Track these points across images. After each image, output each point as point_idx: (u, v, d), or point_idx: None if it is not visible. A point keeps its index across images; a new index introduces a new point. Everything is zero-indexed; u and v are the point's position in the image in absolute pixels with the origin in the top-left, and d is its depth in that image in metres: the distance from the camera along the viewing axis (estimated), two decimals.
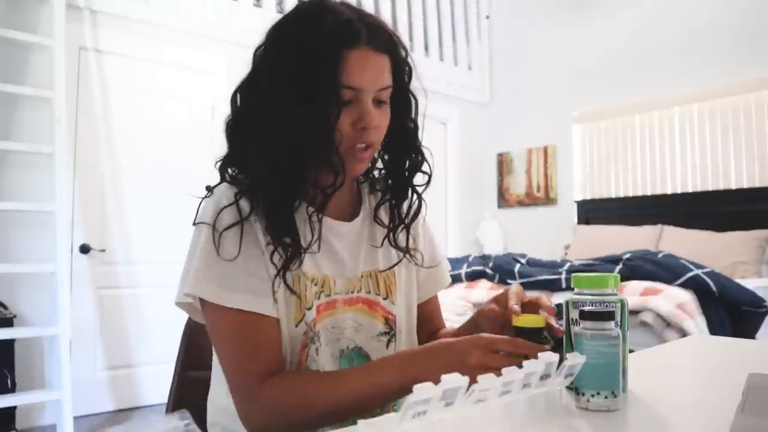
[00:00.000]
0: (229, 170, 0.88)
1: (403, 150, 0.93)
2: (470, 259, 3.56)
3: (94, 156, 3.24)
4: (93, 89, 3.26)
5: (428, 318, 1.03)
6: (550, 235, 4.75)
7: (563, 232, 4.68)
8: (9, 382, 2.68)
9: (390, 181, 0.95)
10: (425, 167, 0.94)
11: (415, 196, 0.96)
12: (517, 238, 5.04)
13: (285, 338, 0.84)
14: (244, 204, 0.83)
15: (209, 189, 0.88)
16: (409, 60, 0.90)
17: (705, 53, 4.05)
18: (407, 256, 0.95)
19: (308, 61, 0.79)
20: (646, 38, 4.34)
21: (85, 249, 3.17)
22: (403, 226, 0.95)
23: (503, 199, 5.30)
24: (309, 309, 0.85)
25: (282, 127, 0.81)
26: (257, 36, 0.89)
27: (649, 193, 4.34)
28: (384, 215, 0.96)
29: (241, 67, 0.91)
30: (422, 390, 0.48)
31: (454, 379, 0.52)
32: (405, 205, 0.95)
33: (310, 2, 0.85)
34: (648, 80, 4.31)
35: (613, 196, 4.56)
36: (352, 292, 0.90)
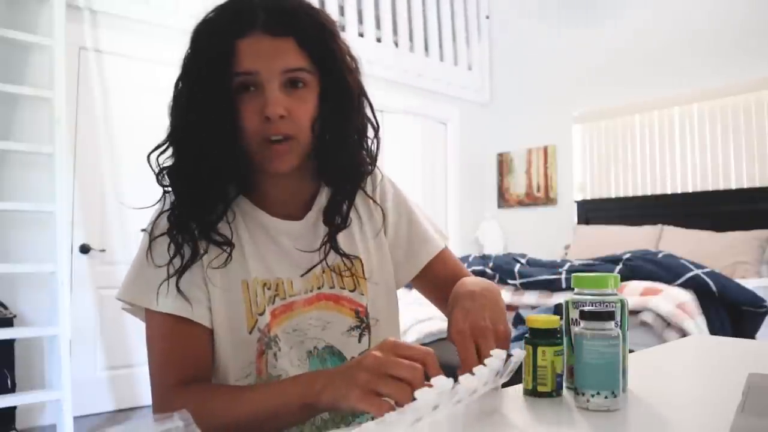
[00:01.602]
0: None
1: (334, 151, 0.83)
2: (470, 259, 3.56)
3: (94, 156, 3.24)
4: (93, 89, 3.26)
5: (443, 282, 0.92)
6: (550, 235, 4.75)
7: (563, 232, 4.68)
8: (9, 382, 2.68)
9: (332, 175, 0.87)
10: (372, 150, 0.87)
11: (343, 204, 0.87)
12: (517, 238, 5.04)
13: (229, 347, 0.81)
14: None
15: (161, 198, 0.87)
16: (340, 42, 0.82)
17: (705, 53, 4.05)
18: (343, 260, 0.88)
19: (200, 55, 0.77)
20: (647, 38, 4.34)
21: (85, 249, 3.17)
22: (330, 234, 0.87)
23: (503, 199, 5.30)
24: (261, 314, 0.82)
25: (185, 133, 0.79)
26: None
27: (649, 193, 4.34)
28: (338, 214, 0.89)
29: None
30: (424, 394, 0.48)
31: (445, 383, 0.52)
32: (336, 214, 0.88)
33: None
34: (648, 80, 4.31)
35: (613, 196, 4.56)
36: (312, 291, 0.86)
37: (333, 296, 0.87)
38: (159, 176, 0.83)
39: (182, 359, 0.79)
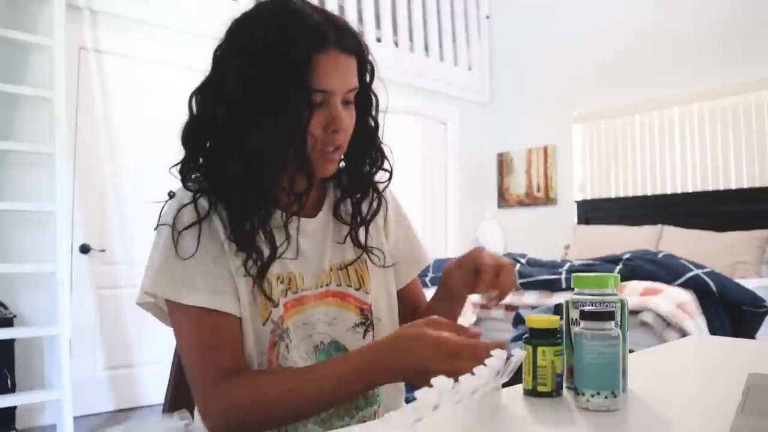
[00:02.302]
0: (191, 175, 0.87)
1: (364, 147, 0.92)
2: None
3: (94, 156, 3.24)
4: (93, 89, 3.26)
5: (408, 298, 1.03)
6: (550, 235, 4.75)
7: (563, 232, 4.68)
8: (9, 382, 2.68)
9: (351, 178, 0.95)
10: (386, 165, 0.95)
11: (375, 194, 0.96)
12: (517, 238, 5.04)
13: (250, 337, 0.83)
14: (204, 202, 0.83)
15: (171, 194, 0.88)
16: (371, 59, 0.89)
17: (705, 53, 4.05)
18: (367, 254, 0.95)
19: (278, 66, 0.77)
20: (647, 38, 4.34)
21: (85, 249, 3.17)
22: (363, 223, 0.95)
23: (503, 199, 5.30)
24: (275, 306, 0.84)
25: (254, 134, 0.79)
26: (224, 30, 0.88)
27: (649, 193, 4.34)
28: (345, 212, 0.95)
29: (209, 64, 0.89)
30: (424, 394, 0.48)
31: (445, 383, 0.52)
32: (365, 204, 0.95)
33: (272, 3, 0.83)
34: (648, 80, 4.31)
35: (613, 196, 4.56)
36: (321, 287, 0.90)
37: (340, 293, 0.91)
38: (188, 174, 0.86)
39: (222, 351, 0.80)
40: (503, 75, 5.35)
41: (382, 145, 0.94)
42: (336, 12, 4.47)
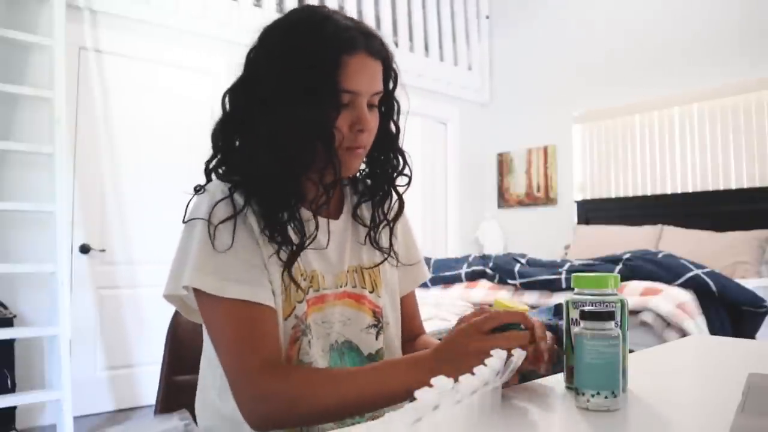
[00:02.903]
0: (219, 170, 0.90)
1: (386, 151, 0.96)
2: (470, 259, 3.56)
3: (94, 156, 3.24)
4: (93, 89, 3.26)
5: (405, 316, 1.05)
6: (550, 235, 4.75)
7: (563, 232, 4.68)
8: (9, 382, 2.68)
9: (372, 181, 0.98)
10: (406, 169, 0.98)
11: (396, 196, 0.99)
12: (517, 238, 5.04)
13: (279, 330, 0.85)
14: (238, 197, 0.85)
15: (198, 189, 0.89)
16: (395, 66, 0.93)
17: (705, 53, 4.05)
18: (386, 256, 0.98)
19: (309, 66, 0.81)
20: (646, 38, 4.34)
21: (85, 249, 3.17)
22: (384, 225, 0.98)
23: (503, 199, 5.30)
24: (300, 302, 0.86)
25: (286, 130, 0.82)
26: (256, 36, 0.90)
27: (649, 193, 4.34)
28: (366, 214, 0.98)
29: (240, 67, 0.91)
30: (424, 394, 0.48)
31: (443, 382, 0.52)
32: (386, 205, 0.99)
33: (304, 9, 0.88)
34: (648, 80, 4.31)
35: (613, 196, 4.56)
36: (340, 287, 0.92)
37: (356, 295, 0.94)
38: (214, 170, 0.89)
39: (262, 342, 0.81)
40: (503, 75, 5.35)
41: (403, 150, 0.98)
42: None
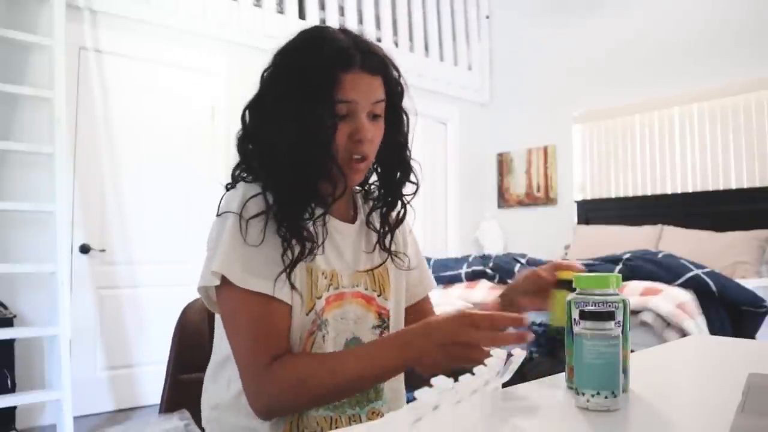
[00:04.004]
0: (244, 176, 0.95)
1: (394, 163, 1.02)
2: (470, 259, 3.56)
3: (94, 156, 3.24)
4: (93, 89, 3.26)
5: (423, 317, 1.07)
6: (550, 235, 4.75)
7: (563, 232, 4.68)
8: (9, 382, 2.68)
9: (382, 191, 1.04)
10: (413, 179, 1.04)
11: (400, 204, 1.05)
12: (517, 238, 5.04)
13: (295, 325, 0.89)
14: (268, 197, 0.90)
15: (229, 186, 0.95)
16: (401, 81, 0.97)
17: (705, 53, 4.05)
18: (392, 258, 1.03)
19: (308, 82, 0.88)
20: (647, 38, 4.35)
21: (85, 249, 3.17)
22: (388, 231, 1.04)
23: (503, 199, 5.30)
24: (319, 298, 0.92)
25: (285, 143, 0.88)
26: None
27: (649, 193, 4.34)
28: (376, 221, 1.04)
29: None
30: (424, 394, 0.48)
31: (444, 382, 0.52)
32: (393, 213, 1.05)
33: (311, 30, 0.95)
34: (648, 80, 4.31)
35: (613, 196, 4.56)
36: (355, 287, 0.98)
37: (366, 296, 0.99)
38: (240, 174, 0.95)
39: (275, 337, 0.86)
40: (503, 75, 5.35)
41: (412, 161, 1.04)
42: (335, 12, 4.45)
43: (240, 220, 0.87)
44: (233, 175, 0.95)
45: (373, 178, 1.05)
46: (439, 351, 0.78)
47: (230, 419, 0.90)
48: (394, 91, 0.97)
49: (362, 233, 1.03)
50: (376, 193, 1.05)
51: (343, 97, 0.88)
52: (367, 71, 0.90)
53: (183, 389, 1.05)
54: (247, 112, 0.95)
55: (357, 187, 1.05)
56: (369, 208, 1.05)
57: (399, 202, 1.05)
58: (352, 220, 1.03)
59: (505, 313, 0.81)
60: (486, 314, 0.78)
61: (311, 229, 0.91)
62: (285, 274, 0.87)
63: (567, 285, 0.90)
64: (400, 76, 0.97)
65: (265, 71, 0.94)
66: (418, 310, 1.11)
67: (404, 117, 1.01)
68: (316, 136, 0.87)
